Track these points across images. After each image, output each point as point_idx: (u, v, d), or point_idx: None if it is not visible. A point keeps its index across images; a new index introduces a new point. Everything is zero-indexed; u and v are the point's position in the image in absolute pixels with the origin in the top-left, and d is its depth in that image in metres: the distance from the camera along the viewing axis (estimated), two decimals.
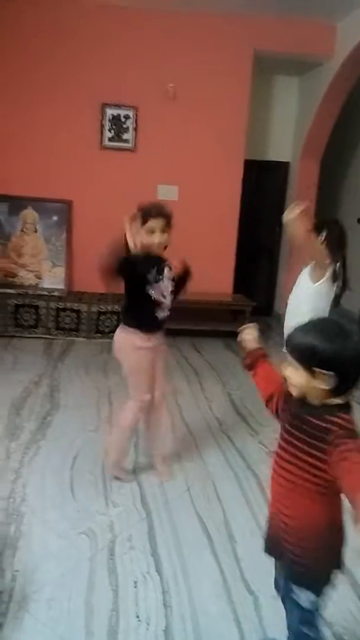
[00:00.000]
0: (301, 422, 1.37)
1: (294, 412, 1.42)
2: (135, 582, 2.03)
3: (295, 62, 5.56)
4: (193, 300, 4.99)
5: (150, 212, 2.39)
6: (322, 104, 5.47)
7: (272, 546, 1.52)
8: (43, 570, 2.05)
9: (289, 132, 6.23)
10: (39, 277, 5.35)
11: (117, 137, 5.28)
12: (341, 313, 3.20)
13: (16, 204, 5.26)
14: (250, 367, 1.67)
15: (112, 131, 5.25)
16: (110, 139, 5.28)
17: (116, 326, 2.64)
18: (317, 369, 1.30)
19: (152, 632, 1.81)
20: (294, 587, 1.46)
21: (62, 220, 5.34)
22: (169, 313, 2.54)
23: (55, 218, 5.33)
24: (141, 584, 2.02)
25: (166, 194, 5.32)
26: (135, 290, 2.46)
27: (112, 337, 2.62)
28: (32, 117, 5.15)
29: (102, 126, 5.22)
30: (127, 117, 5.23)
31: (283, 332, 2.58)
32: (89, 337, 5.10)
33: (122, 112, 5.22)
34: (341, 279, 2.86)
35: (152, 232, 2.38)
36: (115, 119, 5.23)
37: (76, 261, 5.41)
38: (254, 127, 5.68)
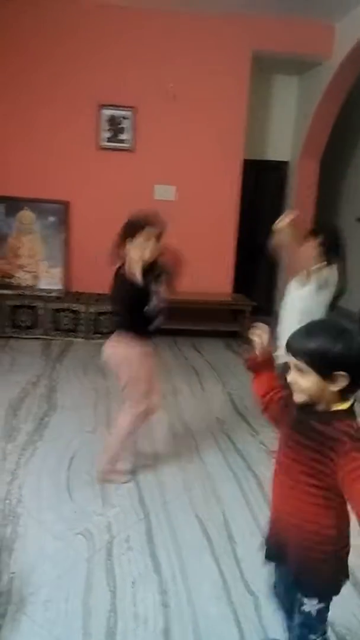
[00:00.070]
0: (306, 428, 1.34)
1: (298, 419, 1.38)
2: (133, 583, 2.00)
3: (294, 62, 5.55)
4: (193, 300, 4.98)
5: (138, 225, 2.41)
6: (321, 104, 5.47)
7: (274, 552, 1.49)
8: (40, 571, 2.02)
9: (288, 132, 6.21)
10: (36, 278, 5.33)
11: (115, 137, 5.26)
12: (341, 314, 3.17)
13: (13, 204, 5.24)
14: (252, 370, 1.64)
15: (110, 131, 5.24)
16: (108, 140, 5.26)
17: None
18: (331, 371, 1.27)
19: (150, 633, 1.78)
20: (300, 595, 1.43)
21: (59, 220, 5.31)
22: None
23: (52, 219, 5.31)
24: (139, 584, 1.99)
25: (163, 194, 5.30)
26: (138, 304, 2.46)
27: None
28: (30, 117, 5.13)
29: (99, 126, 5.19)
30: (125, 117, 5.22)
31: (278, 336, 2.54)
32: (87, 337, 5.07)
33: (121, 113, 5.20)
34: (339, 285, 2.81)
35: (145, 244, 2.39)
36: (114, 120, 5.21)
37: (74, 262, 5.38)
38: (253, 126, 5.66)
